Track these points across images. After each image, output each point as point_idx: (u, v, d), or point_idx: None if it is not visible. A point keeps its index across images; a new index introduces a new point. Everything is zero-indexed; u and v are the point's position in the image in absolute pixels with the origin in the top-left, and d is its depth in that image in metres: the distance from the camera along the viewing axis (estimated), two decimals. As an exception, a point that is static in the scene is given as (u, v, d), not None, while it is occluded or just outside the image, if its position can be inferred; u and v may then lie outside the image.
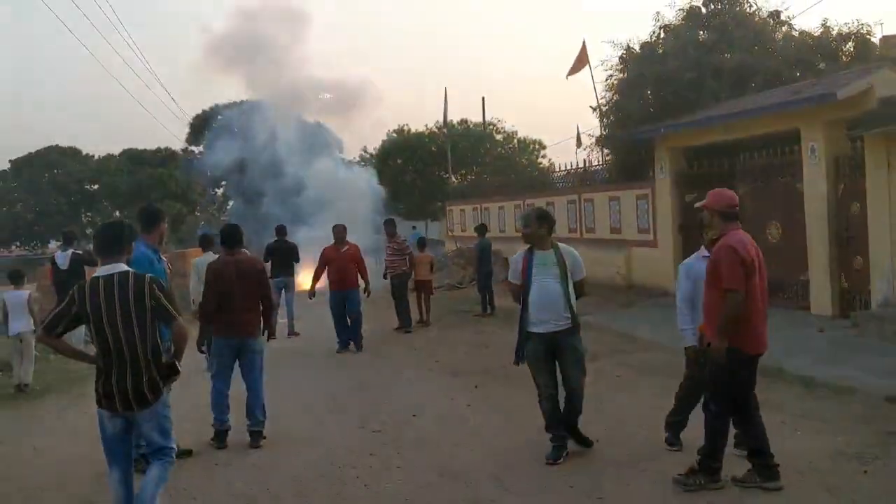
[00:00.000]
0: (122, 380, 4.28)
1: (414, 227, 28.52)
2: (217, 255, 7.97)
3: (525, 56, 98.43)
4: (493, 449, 6.11)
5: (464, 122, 40.49)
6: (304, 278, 15.51)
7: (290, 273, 13.39)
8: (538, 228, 5.77)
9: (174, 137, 64.25)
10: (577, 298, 5.77)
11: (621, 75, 17.32)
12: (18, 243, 51.30)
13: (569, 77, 21.34)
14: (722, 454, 4.93)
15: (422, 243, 14.24)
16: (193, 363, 7.02)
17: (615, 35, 22.92)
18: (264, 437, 6.60)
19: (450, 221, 27.65)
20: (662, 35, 17.47)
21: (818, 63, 16.16)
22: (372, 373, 9.68)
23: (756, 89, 15.23)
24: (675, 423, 5.80)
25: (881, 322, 9.46)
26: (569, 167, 19.99)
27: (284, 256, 13.25)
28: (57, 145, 50.81)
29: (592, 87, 20.73)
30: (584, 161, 19.87)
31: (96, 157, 51.97)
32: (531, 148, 41.78)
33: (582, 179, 18.65)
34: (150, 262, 5.71)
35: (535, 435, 6.04)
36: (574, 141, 24.84)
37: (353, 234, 12.42)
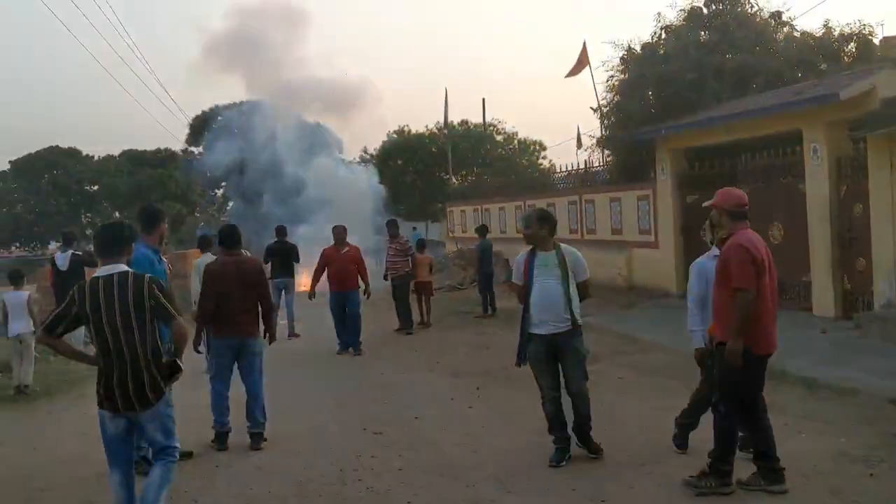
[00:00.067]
0: (123, 380, 4.26)
1: (414, 228, 28.51)
2: (216, 256, 7.94)
3: (525, 57, 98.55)
4: (495, 451, 6.08)
5: (464, 122, 40.49)
6: (304, 279, 15.49)
7: (291, 274, 13.36)
8: (539, 229, 5.73)
9: (174, 138, 64.24)
10: (581, 300, 5.73)
11: (622, 76, 17.30)
12: (18, 244, 51.27)
13: (568, 78, 21.37)
14: (732, 457, 4.88)
15: (421, 245, 14.20)
16: (193, 364, 6.99)
17: (616, 36, 22.94)
18: (265, 439, 6.58)
19: (450, 222, 27.63)
20: (664, 36, 17.46)
21: (820, 64, 16.14)
22: (373, 374, 9.65)
23: (757, 90, 15.20)
24: (686, 425, 5.71)
25: (884, 323, 9.42)
26: (570, 168, 19.97)
27: (284, 257, 13.22)
28: (57, 146, 50.78)
29: (593, 88, 20.74)
30: (585, 162, 19.85)
31: (96, 157, 51.96)
32: (532, 149, 41.77)
33: (583, 180, 18.62)
34: (150, 262, 5.70)
35: (537, 437, 6.01)
36: (574, 142, 24.83)
37: (353, 234, 12.39)
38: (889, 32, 17.41)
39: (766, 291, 4.76)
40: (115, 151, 50.63)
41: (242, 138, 34.60)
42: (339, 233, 11.64)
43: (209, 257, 9.09)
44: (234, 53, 33.18)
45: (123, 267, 4.39)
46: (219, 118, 41.06)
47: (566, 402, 5.72)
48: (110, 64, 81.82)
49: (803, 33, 17.23)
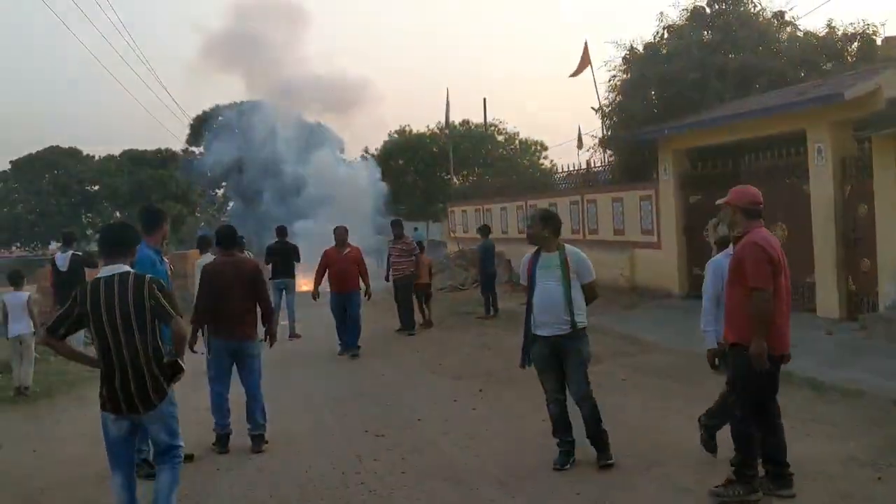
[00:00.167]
0: (125, 382, 4.26)
1: (416, 229, 28.45)
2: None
3: (527, 56, 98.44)
4: (499, 453, 6.03)
5: (465, 122, 40.47)
6: (304, 279, 15.45)
7: (291, 274, 13.32)
8: (542, 230, 5.67)
9: (175, 138, 64.22)
10: (588, 303, 5.66)
11: (625, 76, 17.25)
12: (19, 244, 51.20)
13: (571, 77, 21.34)
14: (755, 460, 4.75)
15: (420, 246, 14.14)
16: (194, 365, 6.94)
17: (618, 35, 22.90)
18: (266, 442, 6.53)
19: (451, 222, 27.57)
20: (666, 35, 17.41)
21: (823, 64, 16.09)
22: (375, 376, 9.59)
23: (760, 90, 15.16)
24: (711, 426, 5.49)
25: (889, 324, 9.37)
26: (571, 168, 19.92)
27: (285, 258, 13.17)
28: (57, 146, 50.70)
29: (595, 88, 20.71)
30: (587, 162, 19.80)
31: (97, 157, 51.91)
32: (533, 149, 41.76)
33: (585, 180, 18.56)
34: (152, 263, 5.69)
35: (541, 439, 5.97)
36: (576, 142, 24.76)
37: (353, 234, 12.31)
38: (890, 33, 17.29)
39: (781, 291, 4.69)
40: (116, 151, 50.63)
41: (242, 138, 34.61)
42: (341, 234, 11.60)
43: (209, 258, 9.04)
44: (235, 52, 33.25)
45: (125, 267, 4.39)
46: (219, 118, 41.06)
47: (573, 406, 5.65)
48: (111, 64, 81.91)
49: (806, 33, 17.18)
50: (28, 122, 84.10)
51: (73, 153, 51.46)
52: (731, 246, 5.25)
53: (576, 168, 19.59)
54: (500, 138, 40.84)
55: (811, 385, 7.38)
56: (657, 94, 16.51)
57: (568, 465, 5.54)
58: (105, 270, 4.39)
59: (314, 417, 7.63)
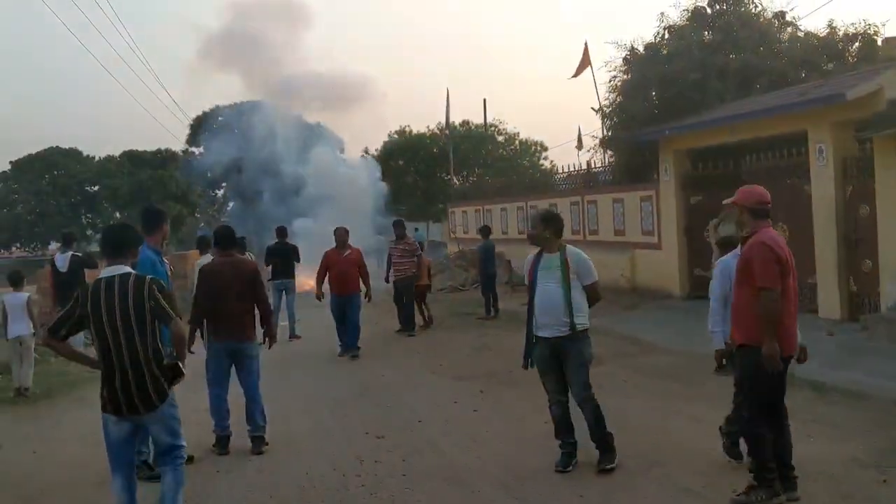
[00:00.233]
0: (125, 383, 4.26)
1: (416, 230, 28.44)
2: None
3: (527, 57, 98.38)
4: (501, 455, 6.00)
5: (465, 123, 40.45)
6: (305, 280, 15.40)
7: (291, 275, 13.28)
8: (543, 231, 5.64)
9: (175, 138, 64.19)
10: (590, 305, 5.62)
11: (625, 76, 17.22)
12: (19, 244, 51.17)
13: (572, 78, 21.35)
14: (772, 462, 4.68)
15: (420, 247, 14.09)
16: (195, 367, 6.91)
17: (619, 36, 22.85)
18: (266, 444, 6.51)
19: (452, 223, 27.55)
20: (667, 36, 17.38)
21: (824, 64, 16.07)
22: (375, 377, 9.56)
23: (761, 90, 15.14)
24: (734, 433, 5.36)
25: (891, 325, 9.35)
26: (571, 169, 19.90)
27: (285, 258, 13.14)
28: (57, 146, 50.66)
29: (595, 89, 20.68)
30: (588, 163, 19.78)
31: (97, 158, 51.86)
32: (533, 150, 41.76)
33: (585, 181, 18.55)
34: (152, 264, 5.68)
35: (543, 440, 5.94)
36: (575, 143, 24.73)
37: (354, 233, 12.27)
38: (890, 33, 17.26)
39: (789, 292, 4.65)
40: (116, 152, 50.60)
41: (242, 138, 34.59)
42: (341, 235, 11.54)
43: (209, 258, 9.02)
44: (234, 52, 33.19)
45: (126, 268, 4.41)
46: (219, 118, 41.05)
47: (575, 408, 5.62)
48: (111, 64, 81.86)
49: (807, 33, 17.16)
50: (28, 122, 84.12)
51: (73, 153, 51.41)
52: (739, 247, 5.19)
53: (576, 169, 19.60)
54: (501, 139, 40.86)
55: (812, 386, 7.36)
56: (658, 95, 16.48)
57: (570, 467, 5.50)
58: (106, 271, 4.40)
59: (314, 418, 7.60)
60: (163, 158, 45.58)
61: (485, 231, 15.05)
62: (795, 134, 11.48)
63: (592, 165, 19.40)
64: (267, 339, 6.91)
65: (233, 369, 6.69)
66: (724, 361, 5.20)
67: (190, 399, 7.24)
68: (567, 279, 5.47)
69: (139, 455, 5.08)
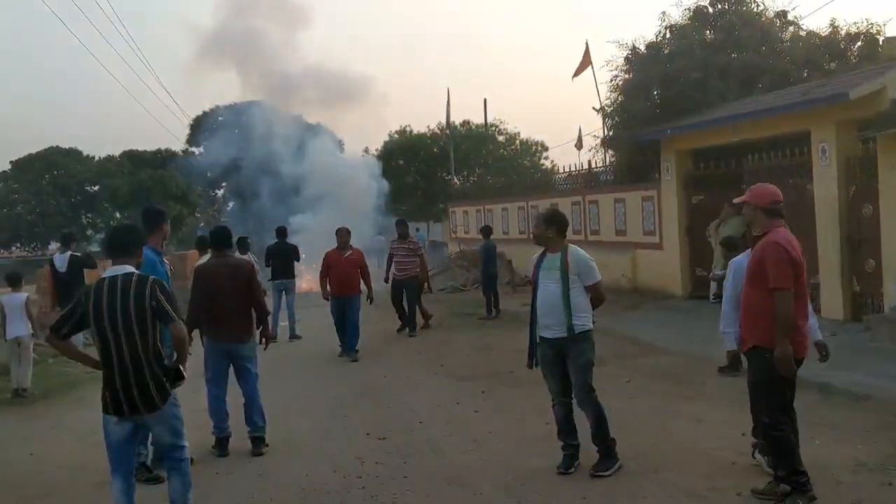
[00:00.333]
0: (126, 383, 4.25)
1: (417, 230, 28.39)
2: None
3: (527, 57, 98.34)
4: (503, 457, 5.95)
5: (466, 123, 40.40)
6: (305, 281, 15.37)
7: (291, 275, 13.24)
8: (545, 230, 5.59)
9: (175, 138, 64.16)
10: (594, 306, 5.56)
11: (627, 76, 17.16)
12: (18, 245, 51.12)
13: (574, 79, 21.29)
14: (800, 463, 4.58)
15: None
16: (195, 368, 6.87)
17: (620, 35, 22.75)
18: (266, 445, 6.47)
19: (452, 223, 27.51)
20: (668, 35, 17.31)
21: (826, 63, 16.00)
22: (376, 377, 9.51)
23: (763, 90, 15.08)
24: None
25: (894, 325, 9.31)
26: (572, 169, 19.85)
27: (285, 258, 13.09)
28: (57, 146, 50.61)
29: (595, 89, 20.63)
30: (589, 163, 19.71)
31: (97, 158, 51.79)
32: (533, 149, 41.72)
33: (586, 181, 18.50)
34: (153, 264, 5.65)
35: (545, 442, 5.89)
36: (576, 143, 24.64)
37: (354, 232, 12.21)
38: (891, 33, 17.15)
39: (802, 293, 4.57)
40: (116, 152, 50.52)
41: (242, 137, 34.59)
42: (343, 235, 11.44)
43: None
44: (234, 51, 33.18)
45: (130, 268, 4.42)
46: (219, 118, 41.03)
47: (579, 409, 5.57)
48: (111, 64, 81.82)
49: (809, 33, 17.08)
50: (28, 122, 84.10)
51: (73, 153, 51.35)
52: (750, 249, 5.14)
53: (577, 168, 19.54)
54: (501, 139, 40.81)
55: (815, 388, 7.29)
56: (659, 94, 16.41)
57: (572, 469, 5.45)
58: (110, 271, 4.41)
59: (314, 419, 7.56)
60: (163, 158, 45.49)
61: (486, 231, 15.00)
62: (798, 133, 11.43)
63: (593, 165, 19.35)
64: (263, 340, 6.86)
65: (231, 370, 6.65)
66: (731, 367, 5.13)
67: (191, 400, 7.20)
68: (567, 279, 5.41)
69: (137, 457, 5.04)
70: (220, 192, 48.32)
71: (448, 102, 31.16)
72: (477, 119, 39.97)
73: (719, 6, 17.23)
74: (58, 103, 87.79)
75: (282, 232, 13.50)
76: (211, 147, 37.62)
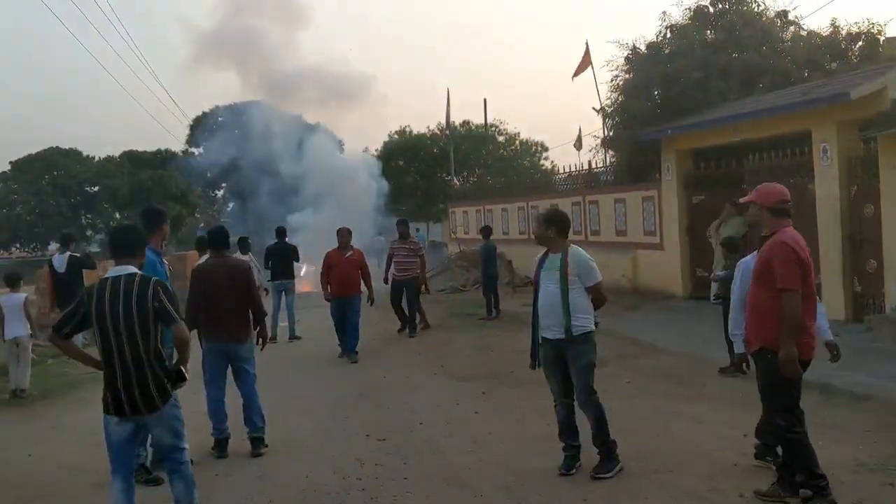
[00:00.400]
0: (128, 383, 4.26)
1: (417, 230, 28.37)
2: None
3: (528, 57, 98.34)
4: (503, 458, 5.93)
5: (466, 123, 40.37)
6: (305, 281, 15.34)
7: (290, 276, 13.21)
8: (546, 230, 5.56)
9: (174, 138, 64.18)
10: (596, 307, 5.52)
11: (627, 76, 17.14)
12: (18, 245, 51.10)
13: (574, 79, 21.27)
14: (818, 465, 4.53)
15: None
16: (195, 368, 6.85)
17: (621, 35, 22.77)
18: (266, 445, 6.44)
19: (452, 223, 27.50)
20: (669, 35, 17.29)
21: (827, 63, 15.98)
22: (376, 378, 9.48)
23: (764, 90, 15.07)
24: (770, 444, 5.13)
25: (895, 326, 9.28)
26: (572, 169, 19.83)
27: (284, 259, 13.06)
28: (57, 146, 50.59)
29: (595, 89, 20.61)
30: (589, 163, 19.70)
31: (97, 158, 51.77)
32: (533, 150, 41.70)
33: (586, 181, 18.48)
34: (153, 264, 5.64)
35: (546, 443, 5.86)
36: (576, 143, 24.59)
37: (354, 232, 12.18)
38: (892, 33, 17.16)
39: (810, 294, 4.52)
40: (116, 152, 50.50)
41: (241, 138, 34.60)
42: (344, 236, 11.38)
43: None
44: (234, 50, 33.21)
45: (132, 269, 4.42)
46: (219, 119, 41.02)
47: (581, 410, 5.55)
48: (111, 64, 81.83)
49: (810, 32, 17.07)
50: (28, 122, 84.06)
51: (73, 154, 51.34)
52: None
53: (577, 169, 19.52)
54: (501, 139, 40.78)
55: (817, 388, 7.25)
56: (660, 94, 16.40)
57: (573, 470, 5.42)
58: (112, 271, 4.41)
59: (314, 420, 7.53)
60: (162, 159, 45.46)
61: (486, 231, 14.97)
62: (799, 133, 11.42)
63: (594, 165, 19.33)
64: (260, 340, 6.84)
65: (229, 371, 6.62)
66: (743, 366, 5.08)
67: (190, 401, 7.17)
68: (566, 280, 5.37)
69: (137, 458, 5.02)
70: (219, 193, 48.33)
71: (448, 102, 31.14)
72: (477, 119, 39.99)
73: (720, 6, 17.22)
74: (58, 103, 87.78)
75: (281, 232, 13.48)
76: (210, 147, 37.62)
